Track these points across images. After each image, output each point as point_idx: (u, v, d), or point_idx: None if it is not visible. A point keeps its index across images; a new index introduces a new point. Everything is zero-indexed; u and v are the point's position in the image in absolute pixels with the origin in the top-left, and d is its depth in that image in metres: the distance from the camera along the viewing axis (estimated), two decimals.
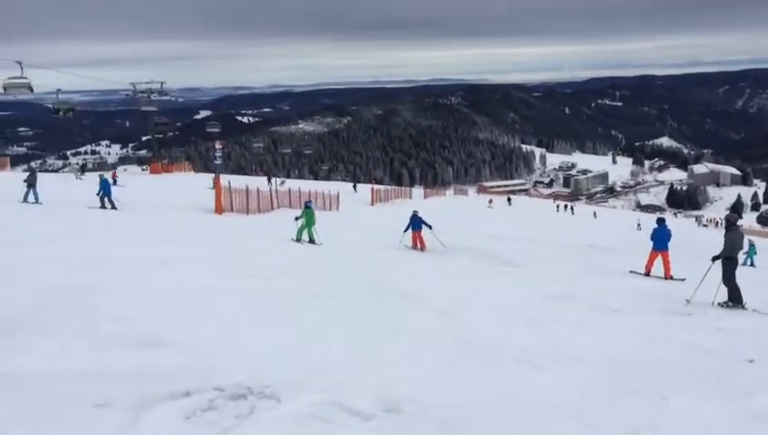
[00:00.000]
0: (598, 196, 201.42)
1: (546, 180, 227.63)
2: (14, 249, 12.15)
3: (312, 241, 19.21)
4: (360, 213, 38.23)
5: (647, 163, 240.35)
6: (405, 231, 20.75)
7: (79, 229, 16.59)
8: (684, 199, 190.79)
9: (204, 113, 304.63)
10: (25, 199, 22.64)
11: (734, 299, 11.76)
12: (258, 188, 30.22)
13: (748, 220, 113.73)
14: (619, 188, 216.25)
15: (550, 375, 6.80)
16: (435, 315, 9.69)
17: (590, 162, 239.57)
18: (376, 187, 56.67)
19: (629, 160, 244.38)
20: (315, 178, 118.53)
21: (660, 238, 16.00)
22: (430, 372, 6.69)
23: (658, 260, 16.02)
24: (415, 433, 5.03)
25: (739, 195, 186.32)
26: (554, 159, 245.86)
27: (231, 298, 9.45)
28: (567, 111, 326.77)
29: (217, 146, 35.31)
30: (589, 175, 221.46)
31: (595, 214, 70.33)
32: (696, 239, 37.03)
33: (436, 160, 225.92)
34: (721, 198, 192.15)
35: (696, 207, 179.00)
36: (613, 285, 14.54)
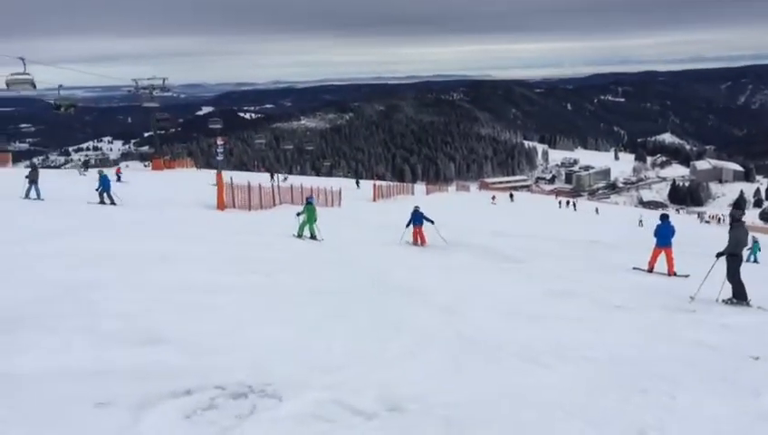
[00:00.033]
0: (600, 192, 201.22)
1: (548, 176, 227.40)
2: (15, 245, 12.14)
3: (313, 237, 19.19)
4: (361, 209, 38.22)
5: (649, 159, 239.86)
6: (407, 226, 20.78)
7: (80, 225, 16.58)
8: (686, 196, 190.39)
9: (206, 109, 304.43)
10: (27, 195, 22.64)
11: (739, 296, 11.69)
12: (260, 185, 30.20)
13: (751, 217, 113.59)
14: (621, 185, 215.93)
15: (553, 372, 6.75)
16: (437, 312, 9.65)
17: (592, 158, 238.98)
18: (378, 183, 56.62)
19: (632, 157, 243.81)
20: (317, 175, 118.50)
21: (664, 235, 15.93)
22: (433, 369, 6.64)
23: (662, 256, 15.97)
24: (419, 432, 4.97)
25: (741, 191, 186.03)
26: (556, 156, 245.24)
27: (232, 294, 9.42)
28: (569, 107, 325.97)
29: (219, 142, 35.26)
30: (591, 171, 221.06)
31: (597, 210, 70.31)
32: (699, 236, 36.97)
33: (438, 156, 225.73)
34: (723, 195, 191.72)
35: (699, 203, 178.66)
36: (616, 281, 14.49)
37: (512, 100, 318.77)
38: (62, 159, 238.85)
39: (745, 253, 18.48)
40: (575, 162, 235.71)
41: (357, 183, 63.08)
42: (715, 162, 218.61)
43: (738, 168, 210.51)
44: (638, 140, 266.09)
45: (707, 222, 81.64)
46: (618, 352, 7.80)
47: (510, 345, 7.76)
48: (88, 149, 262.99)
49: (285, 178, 54.12)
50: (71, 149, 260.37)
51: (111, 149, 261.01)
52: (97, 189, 24.09)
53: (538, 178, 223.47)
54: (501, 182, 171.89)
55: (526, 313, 10.02)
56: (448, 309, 9.91)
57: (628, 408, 5.76)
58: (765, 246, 28.78)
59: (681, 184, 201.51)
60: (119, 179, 39.42)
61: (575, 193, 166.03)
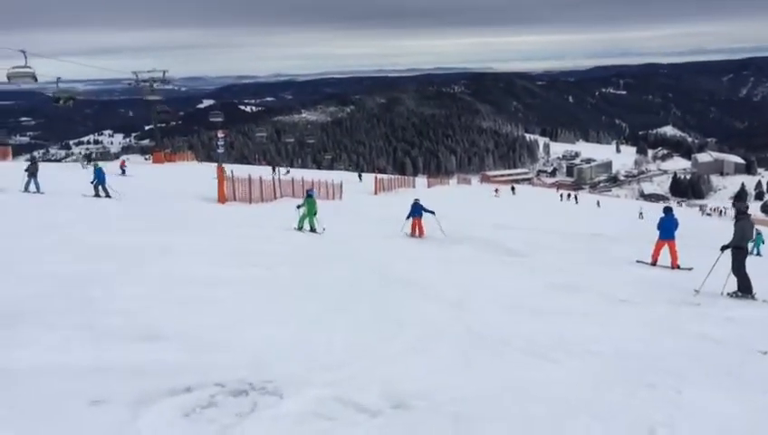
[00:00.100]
0: (601, 185, 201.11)
1: (549, 169, 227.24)
2: (14, 239, 12.10)
3: (312, 230, 19.13)
4: (363, 202, 38.15)
5: (650, 152, 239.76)
6: (407, 219, 20.92)
7: (80, 219, 16.52)
8: (687, 188, 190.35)
9: (207, 102, 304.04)
10: (26, 189, 22.55)
11: (744, 289, 11.61)
12: (261, 177, 30.12)
13: (752, 209, 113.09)
14: (622, 178, 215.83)
15: (560, 367, 6.67)
16: (440, 306, 9.57)
17: (593, 151, 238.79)
18: (379, 176, 56.52)
19: (633, 149, 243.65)
20: (318, 168, 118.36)
21: (667, 228, 15.86)
22: (438, 364, 6.54)
23: (665, 249, 15.89)
24: (425, 429, 4.87)
25: (743, 184, 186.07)
26: (558, 148, 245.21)
27: (233, 288, 9.36)
28: (571, 99, 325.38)
29: (220, 135, 35.19)
30: (592, 164, 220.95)
31: (598, 203, 70.12)
32: (700, 229, 36.88)
33: (440, 149, 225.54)
34: (725, 187, 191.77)
35: (700, 196, 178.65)
36: (620, 274, 14.41)
37: (513, 92, 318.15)
38: (63, 152, 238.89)
39: (749, 245, 18.37)
40: (576, 155, 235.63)
41: (359, 176, 62.97)
42: (716, 155, 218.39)
43: (740, 160, 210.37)
44: (640, 132, 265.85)
45: (709, 215, 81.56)
46: (623, 346, 7.73)
47: (515, 340, 7.68)
48: (89, 142, 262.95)
49: (288, 172, 54.06)
50: (71, 142, 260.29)
51: (112, 143, 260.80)
52: (92, 182, 24.01)
53: (539, 171, 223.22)
54: (502, 175, 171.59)
55: (530, 306, 9.93)
56: (451, 303, 9.83)
57: (635, 403, 5.69)
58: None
59: (682, 177, 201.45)
60: (123, 173, 39.40)
61: (576, 186, 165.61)
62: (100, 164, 26.95)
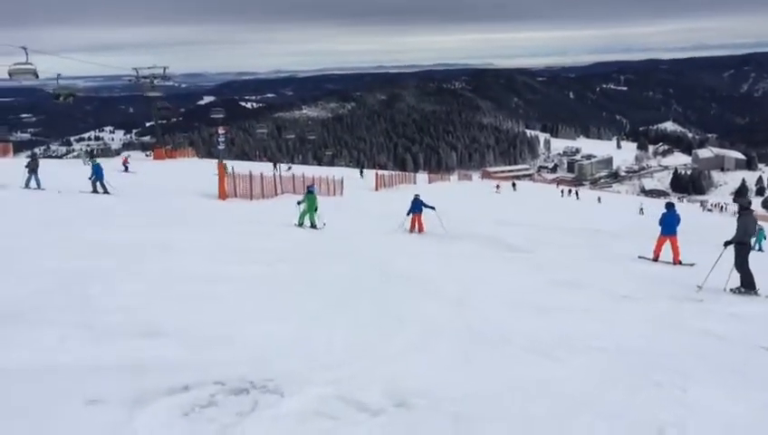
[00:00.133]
0: (602, 181, 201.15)
1: (550, 165, 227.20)
2: (14, 236, 12.05)
3: (313, 226, 19.11)
4: (364, 198, 38.13)
5: (651, 148, 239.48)
6: (408, 214, 20.98)
7: (80, 215, 16.50)
8: (688, 184, 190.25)
9: (207, 99, 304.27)
10: (27, 185, 22.51)
11: (747, 285, 11.55)
12: (262, 174, 30.08)
13: (753, 205, 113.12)
14: (623, 173, 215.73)
15: (562, 365, 6.60)
16: (442, 302, 9.50)
17: (594, 147, 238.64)
18: (380, 172, 56.50)
19: (634, 145, 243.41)
20: (319, 164, 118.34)
21: (669, 223, 15.81)
22: (440, 362, 6.47)
23: (666, 245, 15.84)
24: (427, 428, 4.81)
25: (744, 179, 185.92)
26: (558, 144, 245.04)
27: (233, 285, 9.32)
28: (571, 95, 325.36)
29: (220, 131, 35.09)
30: (593, 160, 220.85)
31: (599, 199, 70.12)
32: (701, 224, 36.84)
33: (440, 146, 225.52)
34: (725, 183, 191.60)
35: (701, 191, 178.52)
36: (621, 270, 14.33)
37: (514, 88, 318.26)
38: (64, 148, 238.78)
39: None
40: (577, 151, 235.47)
41: (361, 172, 62.96)
42: (717, 151, 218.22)
43: (740, 156, 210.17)
44: (641, 128, 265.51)
45: (710, 210, 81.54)
46: (626, 343, 7.67)
47: (517, 337, 7.62)
48: (89, 138, 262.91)
49: (289, 168, 53.99)
50: (72, 138, 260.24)
51: (113, 139, 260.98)
52: (90, 178, 23.97)
53: (540, 168, 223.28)
54: (503, 171, 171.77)
55: (532, 303, 9.87)
56: (453, 300, 9.76)
57: (638, 401, 5.63)
58: None
59: (683, 172, 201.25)
60: (126, 169, 39.41)
61: (577, 182, 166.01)
62: (98, 160, 26.87)
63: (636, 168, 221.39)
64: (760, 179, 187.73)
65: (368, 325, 7.76)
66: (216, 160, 35.42)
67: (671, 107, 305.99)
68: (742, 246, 11.68)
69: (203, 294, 8.53)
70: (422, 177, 68.47)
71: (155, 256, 11.05)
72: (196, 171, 41.34)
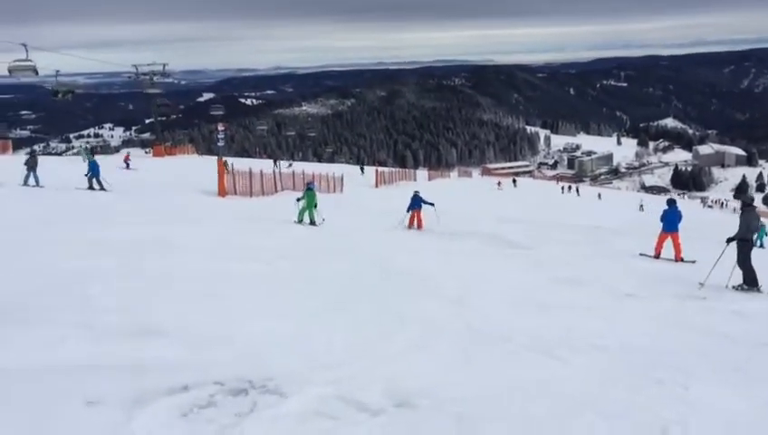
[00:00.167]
0: (602, 177, 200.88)
1: (550, 162, 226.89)
2: (13, 233, 12.01)
3: (312, 222, 19.08)
4: (364, 195, 38.08)
5: (651, 144, 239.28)
6: (407, 211, 21.01)
7: (79, 213, 16.45)
8: (689, 180, 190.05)
9: (207, 96, 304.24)
10: (26, 183, 22.46)
11: (750, 282, 11.49)
12: (261, 171, 30.05)
13: (755, 201, 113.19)
14: (623, 170, 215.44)
15: (564, 364, 6.56)
16: (443, 301, 9.45)
17: (594, 143, 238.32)
18: (380, 169, 56.43)
19: (634, 142, 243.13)
20: (319, 161, 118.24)
21: (671, 220, 15.74)
22: (441, 362, 6.43)
23: (668, 242, 15.77)
24: (428, 429, 4.76)
25: (744, 175, 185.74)
26: (559, 141, 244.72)
27: (233, 282, 9.29)
28: (571, 91, 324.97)
29: (220, 128, 35.04)
30: (593, 156, 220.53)
31: (599, 195, 70.04)
32: (702, 221, 36.77)
33: (440, 142, 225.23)
34: (726, 179, 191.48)
35: (701, 188, 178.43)
36: (623, 267, 14.26)
37: (514, 85, 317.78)
38: (63, 145, 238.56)
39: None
40: (577, 148, 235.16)
41: (361, 169, 62.87)
42: (717, 147, 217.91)
43: (741, 152, 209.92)
44: (641, 124, 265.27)
45: (710, 207, 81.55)
46: (629, 341, 7.63)
47: (519, 335, 7.58)
48: (89, 135, 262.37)
49: (290, 165, 53.94)
50: (72, 135, 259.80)
51: (113, 136, 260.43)
52: (86, 175, 23.93)
53: (540, 164, 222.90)
54: (503, 168, 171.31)
55: (534, 301, 9.82)
56: (454, 298, 9.71)
57: (641, 400, 5.60)
58: None
59: (683, 169, 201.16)
60: (127, 167, 39.38)
61: (577, 178, 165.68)
62: (95, 157, 26.83)
63: (636, 164, 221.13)
64: (760, 175, 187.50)
65: (368, 324, 7.71)
66: (216, 157, 35.39)
67: (671, 103, 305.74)
68: (744, 242, 11.63)
69: (203, 292, 8.50)
70: (422, 173, 68.29)
71: (155, 254, 11.00)
72: (195, 168, 41.27)
